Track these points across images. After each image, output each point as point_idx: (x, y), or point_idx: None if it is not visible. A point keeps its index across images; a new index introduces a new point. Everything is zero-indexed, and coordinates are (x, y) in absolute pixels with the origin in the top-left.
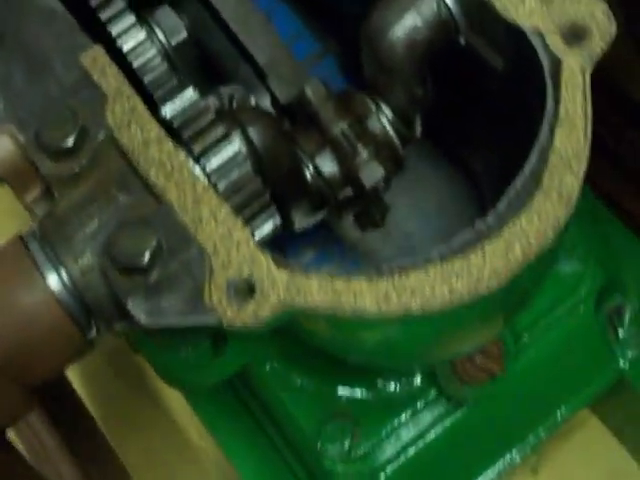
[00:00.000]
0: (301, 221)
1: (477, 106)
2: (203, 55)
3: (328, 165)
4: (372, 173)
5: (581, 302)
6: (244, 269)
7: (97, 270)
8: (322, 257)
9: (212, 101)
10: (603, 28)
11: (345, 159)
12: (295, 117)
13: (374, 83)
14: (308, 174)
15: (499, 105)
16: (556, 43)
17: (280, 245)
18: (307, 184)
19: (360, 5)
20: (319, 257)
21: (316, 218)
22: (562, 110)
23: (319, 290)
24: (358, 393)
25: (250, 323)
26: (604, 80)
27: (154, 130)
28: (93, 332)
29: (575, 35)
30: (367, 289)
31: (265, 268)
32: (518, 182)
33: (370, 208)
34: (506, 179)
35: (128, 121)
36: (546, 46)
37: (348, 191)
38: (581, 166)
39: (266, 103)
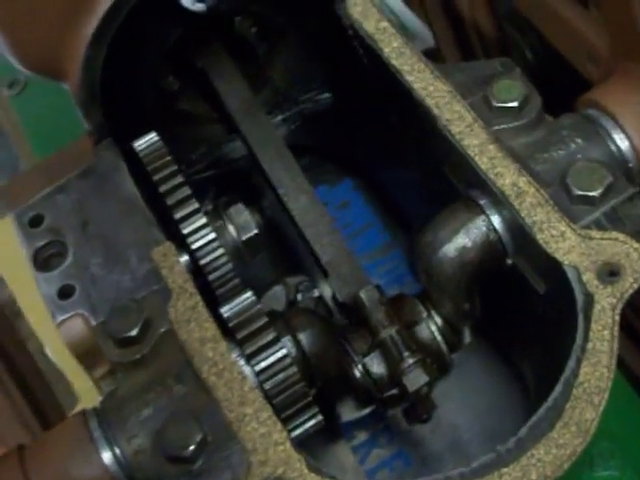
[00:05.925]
0: (347, 415)
1: (524, 316)
2: (275, 244)
3: (376, 366)
4: (415, 380)
5: None
6: (279, 468)
7: (149, 452)
8: (373, 441)
9: (279, 290)
10: (637, 268)
11: (392, 362)
12: (351, 314)
13: (427, 290)
14: (357, 372)
15: (542, 323)
16: (590, 280)
17: (335, 425)
18: (355, 381)
19: (426, 213)
20: (370, 440)
21: (362, 413)
22: (590, 345)
23: None
24: None
25: None
26: None
27: (211, 330)
28: None
29: (609, 273)
30: None
31: (298, 470)
32: (541, 410)
33: (416, 405)
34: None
35: (188, 318)
36: (581, 281)
37: (393, 391)
38: (602, 401)
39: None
